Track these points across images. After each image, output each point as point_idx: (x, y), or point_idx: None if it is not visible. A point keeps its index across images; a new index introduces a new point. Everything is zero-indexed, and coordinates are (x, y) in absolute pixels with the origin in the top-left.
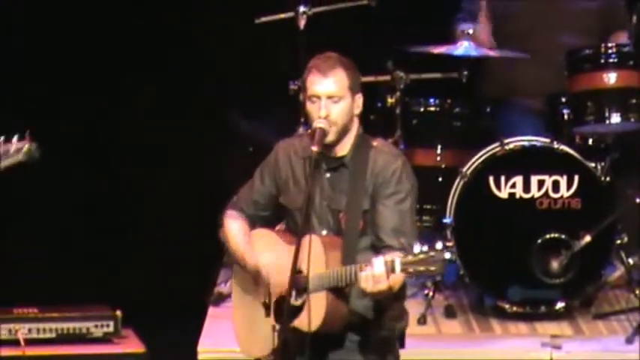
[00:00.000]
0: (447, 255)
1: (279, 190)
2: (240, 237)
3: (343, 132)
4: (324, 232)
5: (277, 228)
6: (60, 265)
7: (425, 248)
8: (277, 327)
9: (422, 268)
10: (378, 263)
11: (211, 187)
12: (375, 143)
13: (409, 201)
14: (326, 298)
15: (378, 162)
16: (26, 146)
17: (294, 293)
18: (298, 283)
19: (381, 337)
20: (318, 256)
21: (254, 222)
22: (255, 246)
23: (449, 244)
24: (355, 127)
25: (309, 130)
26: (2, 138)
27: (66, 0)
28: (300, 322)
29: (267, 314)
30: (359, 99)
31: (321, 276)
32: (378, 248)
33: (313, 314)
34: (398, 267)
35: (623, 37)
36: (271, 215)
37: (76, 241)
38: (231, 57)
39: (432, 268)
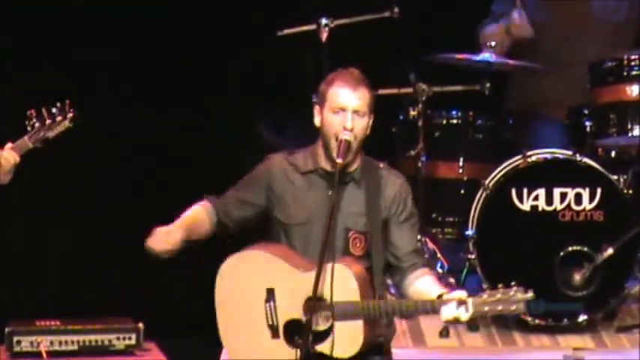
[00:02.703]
0: (530, 294)
1: (270, 202)
2: (186, 215)
3: (359, 149)
4: (337, 254)
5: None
6: (82, 278)
7: (500, 288)
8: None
9: (501, 308)
10: (455, 307)
11: None
12: (380, 165)
13: (418, 224)
14: (364, 327)
15: (390, 184)
16: (70, 114)
17: (316, 318)
18: (321, 309)
19: (378, 345)
20: (347, 284)
21: (223, 222)
22: (251, 270)
23: (471, 256)
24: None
25: (326, 145)
26: (44, 109)
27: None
28: (328, 348)
29: (275, 336)
30: (371, 120)
31: (359, 305)
32: (400, 268)
33: (348, 341)
34: (471, 308)
35: None
36: (243, 221)
37: (98, 253)
38: (254, 68)
39: (514, 308)
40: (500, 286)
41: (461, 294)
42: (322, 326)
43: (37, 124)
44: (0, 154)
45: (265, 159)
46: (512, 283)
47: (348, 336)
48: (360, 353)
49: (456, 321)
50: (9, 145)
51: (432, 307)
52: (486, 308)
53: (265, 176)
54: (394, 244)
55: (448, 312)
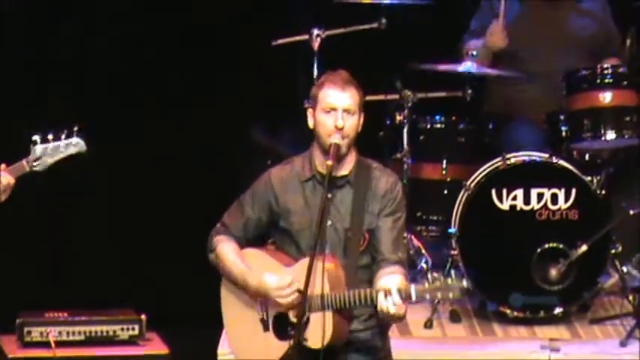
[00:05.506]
0: (465, 283)
1: (274, 216)
2: (237, 259)
3: (350, 147)
4: (327, 251)
5: (267, 247)
6: (89, 271)
7: (440, 276)
8: (288, 342)
9: (439, 295)
10: (393, 291)
11: (233, 196)
12: (374, 165)
13: (403, 220)
14: (333, 318)
15: (382, 182)
16: (75, 140)
17: (304, 312)
18: (304, 302)
19: (375, 335)
20: (323, 278)
21: (241, 244)
22: (249, 266)
23: (454, 252)
24: (354, 149)
25: (321, 146)
26: (51, 134)
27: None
28: (308, 340)
29: (266, 329)
30: (361, 118)
31: (328, 297)
32: (376, 260)
33: (320, 332)
34: (414, 295)
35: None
36: (256, 239)
37: (104, 248)
38: (251, 76)
39: (450, 296)
40: (438, 275)
41: (399, 283)
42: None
43: (38, 149)
44: None
45: (264, 174)
46: (452, 272)
47: (320, 327)
48: (332, 344)
49: (392, 309)
50: (3, 166)
51: (371, 297)
52: (427, 295)
53: (265, 192)
54: (375, 237)
55: (385, 302)
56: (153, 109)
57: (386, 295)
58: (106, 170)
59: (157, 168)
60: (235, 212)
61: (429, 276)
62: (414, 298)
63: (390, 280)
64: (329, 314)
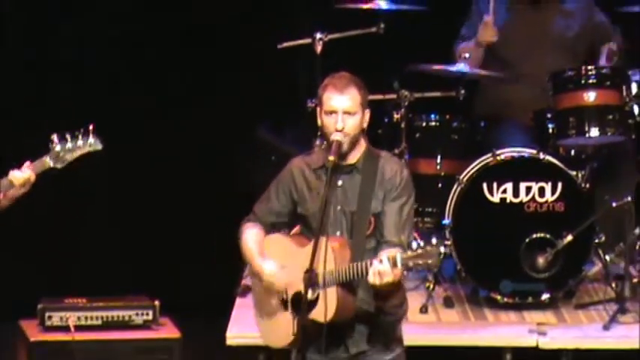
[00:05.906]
0: (442, 249)
1: (295, 202)
2: (251, 244)
3: (354, 142)
4: (338, 234)
5: (293, 232)
6: (106, 260)
7: (422, 244)
8: (296, 319)
9: (420, 262)
10: (383, 259)
11: (241, 189)
12: (382, 154)
13: (409, 205)
14: (336, 293)
15: (387, 169)
16: (91, 139)
17: (310, 289)
18: (312, 280)
19: (385, 323)
20: (329, 256)
21: (268, 230)
22: (269, 250)
23: (447, 242)
24: (363, 140)
25: (327, 143)
26: (68, 134)
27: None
28: (316, 314)
29: (285, 308)
30: (367, 114)
31: (332, 272)
32: (380, 243)
33: (326, 306)
34: (399, 262)
35: (612, 47)
36: (285, 224)
37: (120, 238)
38: (250, 76)
39: (430, 262)
40: (422, 244)
41: (388, 253)
42: (313, 295)
43: (57, 147)
44: (12, 175)
45: (289, 163)
46: (434, 241)
47: (327, 301)
48: (338, 317)
49: (382, 275)
50: (27, 163)
51: (366, 268)
52: (410, 263)
53: (287, 180)
54: (380, 221)
55: (374, 269)
56: (153, 109)
57: (378, 263)
58: (106, 170)
59: (157, 168)
60: (262, 200)
61: (414, 245)
62: (399, 264)
63: None
64: (332, 289)
